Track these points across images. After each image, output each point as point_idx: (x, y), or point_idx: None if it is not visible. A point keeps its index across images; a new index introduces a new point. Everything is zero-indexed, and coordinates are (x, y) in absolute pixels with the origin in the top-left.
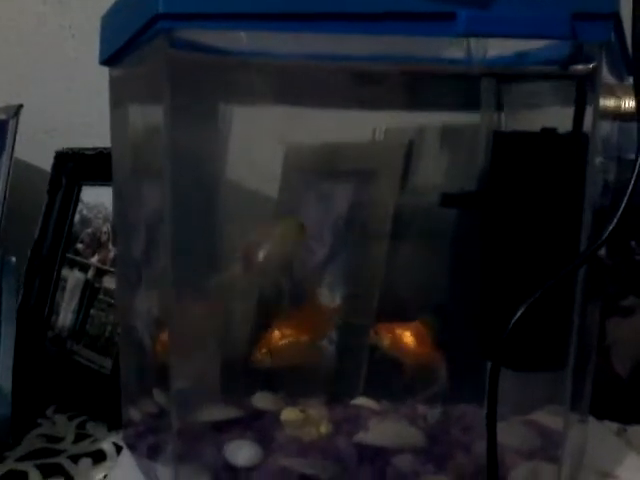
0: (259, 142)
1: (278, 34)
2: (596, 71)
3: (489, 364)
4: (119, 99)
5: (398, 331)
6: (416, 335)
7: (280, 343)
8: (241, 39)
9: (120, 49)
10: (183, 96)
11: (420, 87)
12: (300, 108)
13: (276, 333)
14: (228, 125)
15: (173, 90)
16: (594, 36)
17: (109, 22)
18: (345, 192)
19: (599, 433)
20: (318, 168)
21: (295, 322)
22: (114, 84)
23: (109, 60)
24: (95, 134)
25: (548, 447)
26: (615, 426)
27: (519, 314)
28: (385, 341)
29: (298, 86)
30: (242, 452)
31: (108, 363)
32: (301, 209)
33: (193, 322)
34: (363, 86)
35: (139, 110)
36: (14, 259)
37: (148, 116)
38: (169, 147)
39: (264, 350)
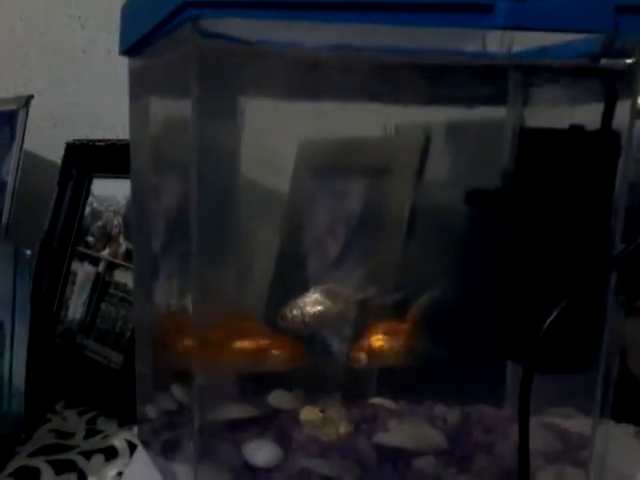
0: (272, 136)
1: (305, 24)
2: (635, 66)
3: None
4: (139, 90)
5: (370, 343)
6: (389, 335)
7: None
8: (264, 28)
9: (142, 39)
10: (209, 87)
11: (440, 81)
12: (315, 102)
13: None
14: (244, 118)
15: (201, 80)
16: (637, 30)
17: (130, 11)
18: (359, 188)
19: (617, 436)
20: (331, 163)
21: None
22: (134, 75)
23: (130, 50)
24: (103, 125)
25: (570, 450)
26: (632, 428)
27: (552, 317)
28: (363, 360)
29: (314, 79)
30: (262, 452)
31: (119, 358)
32: (313, 205)
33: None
34: (380, 79)
35: (162, 101)
36: (29, 252)
37: (172, 108)
38: (197, 139)
39: None
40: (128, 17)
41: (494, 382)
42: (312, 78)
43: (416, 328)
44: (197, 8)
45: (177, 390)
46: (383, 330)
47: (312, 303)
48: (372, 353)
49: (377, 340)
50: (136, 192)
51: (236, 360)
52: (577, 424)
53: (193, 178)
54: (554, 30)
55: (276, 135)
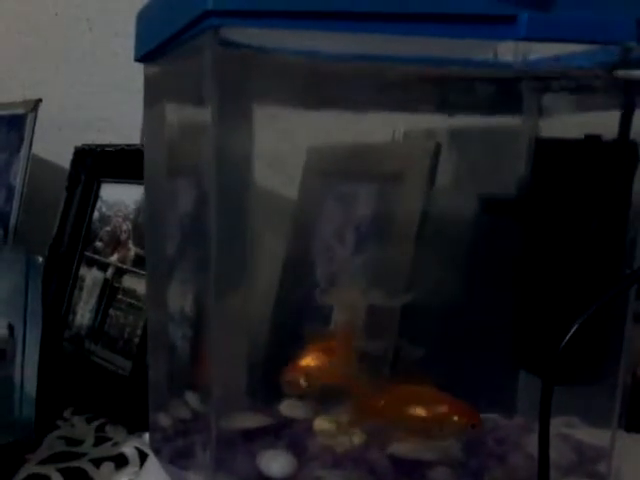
0: (286, 143)
1: (323, 34)
2: None
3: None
4: (154, 97)
5: (307, 363)
6: (327, 351)
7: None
8: (279, 37)
9: (159, 46)
10: (227, 95)
11: (453, 89)
12: (325, 110)
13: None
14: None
15: (220, 89)
16: None
17: (146, 19)
18: (369, 194)
19: (627, 446)
20: (341, 170)
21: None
22: (150, 82)
23: (145, 57)
24: (111, 130)
25: (585, 463)
26: None
27: (573, 330)
28: (302, 384)
29: (326, 86)
30: (277, 462)
31: (127, 364)
32: (322, 211)
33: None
34: (393, 88)
35: (178, 108)
36: (41, 259)
37: (189, 114)
38: (216, 147)
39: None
40: (144, 24)
41: (504, 390)
42: (327, 86)
43: (347, 341)
44: (219, 17)
45: (191, 398)
46: (320, 347)
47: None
48: (310, 374)
49: (313, 359)
50: (150, 198)
51: (410, 426)
52: (590, 435)
53: (212, 184)
54: (576, 42)
55: (289, 142)
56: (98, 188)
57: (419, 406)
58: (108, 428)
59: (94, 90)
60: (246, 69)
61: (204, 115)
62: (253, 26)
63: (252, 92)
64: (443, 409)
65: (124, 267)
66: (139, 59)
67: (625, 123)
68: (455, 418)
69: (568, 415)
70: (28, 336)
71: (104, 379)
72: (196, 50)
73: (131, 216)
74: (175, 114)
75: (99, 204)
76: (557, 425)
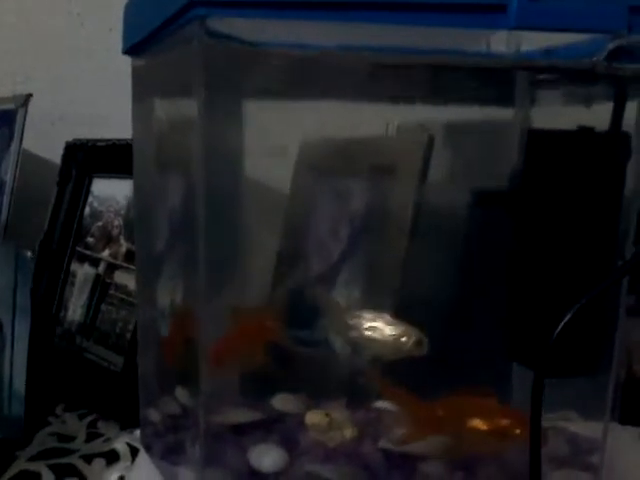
0: (276, 136)
1: (311, 24)
2: None
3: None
4: (143, 90)
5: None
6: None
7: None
8: (268, 28)
9: (146, 38)
10: (215, 87)
11: (445, 81)
12: (316, 101)
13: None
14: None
15: (207, 80)
16: None
17: (134, 11)
18: (362, 188)
19: (622, 439)
20: (333, 164)
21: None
22: (138, 75)
23: (132, 50)
24: (103, 125)
25: (579, 454)
26: (638, 432)
27: (564, 322)
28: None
29: (315, 79)
30: (268, 457)
31: (119, 360)
32: (315, 205)
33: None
34: (385, 79)
35: (166, 101)
36: (30, 254)
37: (177, 107)
38: (203, 139)
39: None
40: (131, 16)
41: (498, 383)
42: (317, 78)
43: (276, 324)
44: (204, 7)
45: (181, 394)
46: (243, 329)
47: None
48: (231, 355)
49: (235, 341)
50: (139, 193)
51: (470, 439)
52: (585, 427)
53: (199, 178)
54: (567, 30)
55: (280, 135)
56: (89, 183)
57: (480, 419)
58: (100, 424)
59: (86, 85)
60: (234, 61)
61: (192, 108)
62: (240, 16)
63: (241, 84)
64: (505, 422)
65: (116, 262)
66: (127, 52)
67: (617, 114)
68: (517, 431)
69: (563, 408)
70: (17, 332)
71: (96, 375)
72: (183, 42)
73: (122, 211)
74: (163, 107)
75: (90, 199)
76: (551, 418)
